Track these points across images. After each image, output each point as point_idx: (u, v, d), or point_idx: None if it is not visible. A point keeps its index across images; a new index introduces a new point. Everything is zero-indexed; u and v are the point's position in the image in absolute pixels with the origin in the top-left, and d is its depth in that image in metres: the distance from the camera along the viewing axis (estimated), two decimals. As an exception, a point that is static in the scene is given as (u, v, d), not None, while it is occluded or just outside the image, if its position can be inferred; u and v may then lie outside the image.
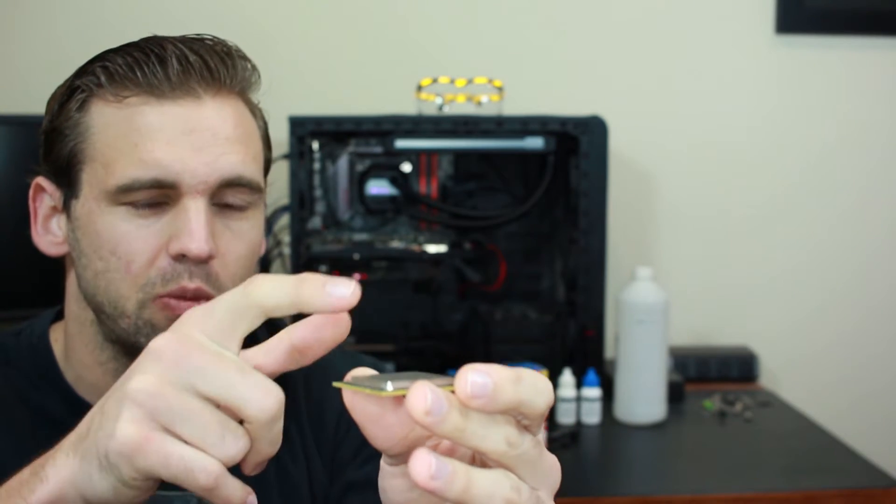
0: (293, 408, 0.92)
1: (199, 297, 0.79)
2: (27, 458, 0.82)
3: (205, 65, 0.80)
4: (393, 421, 0.50)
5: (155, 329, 0.79)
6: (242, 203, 0.82)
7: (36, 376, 0.87)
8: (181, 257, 0.78)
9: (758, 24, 2.02)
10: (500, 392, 0.45)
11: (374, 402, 0.50)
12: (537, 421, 0.48)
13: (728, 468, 1.50)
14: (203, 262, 0.79)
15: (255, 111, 0.86)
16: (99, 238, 0.79)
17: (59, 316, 0.91)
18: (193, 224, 0.77)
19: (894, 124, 2.07)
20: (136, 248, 0.78)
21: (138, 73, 0.78)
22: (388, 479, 0.54)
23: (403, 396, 0.46)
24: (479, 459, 0.49)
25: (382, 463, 0.54)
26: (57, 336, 0.89)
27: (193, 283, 0.79)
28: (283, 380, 0.92)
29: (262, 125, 0.87)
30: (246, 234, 0.83)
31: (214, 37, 0.83)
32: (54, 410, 0.85)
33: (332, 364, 0.98)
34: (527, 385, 0.47)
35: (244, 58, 0.83)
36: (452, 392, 0.45)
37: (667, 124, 2.03)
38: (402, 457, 0.52)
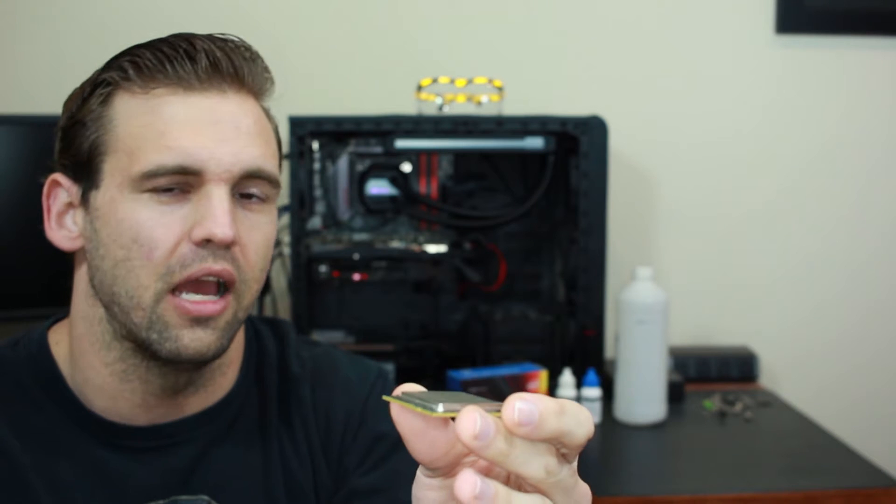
0: (299, 410, 0.92)
1: (225, 278, 0.81)
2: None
3: (231, 64, 0.82)
4: (437, 437, 0.52)
5: (167, 327, 0.80)
6: (261, 195, 0.84)
7: (35, 387, 0.86)
8: (205, 242, 0.80)
9: (758, 24, 2.03)
10: (544, 421, 0.47)
11: (421, 418, 0.52)
12: (575, 451, 0.50)
13: (728, 468, 1.50)
14: (227, 246, 0.80)
15: (268, 115, 0.89)
16: (120, 226, 0.80)
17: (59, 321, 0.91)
18: (217, 209, 0.79)
19: (894, 124, 2.07)
20: (159, 235, 0.80)
21: (168, 67, 0.81)
22: (424, 489, 0.55)
23: (452, 418, 0.48)
24: (514, 480, 0.51)
25: (419, 473, 0.55)
26: (58, 338, 0.88)
27: (219, 265, 0.80)
28: (287, 382, 0.91)
29: (274, 128, 0.90)
30: (263, 226, 0.85)
31: (240, 38, 0.85)
32: (37, 423, 0.85)
33: (337, 367, 0.99)
34: (570, 417, 0.48)
35: (265, 67, 0.86)
36: (499, 418, 0.47)
37: (667, 124, 2.03)
38: (440, 470, 0.54)
